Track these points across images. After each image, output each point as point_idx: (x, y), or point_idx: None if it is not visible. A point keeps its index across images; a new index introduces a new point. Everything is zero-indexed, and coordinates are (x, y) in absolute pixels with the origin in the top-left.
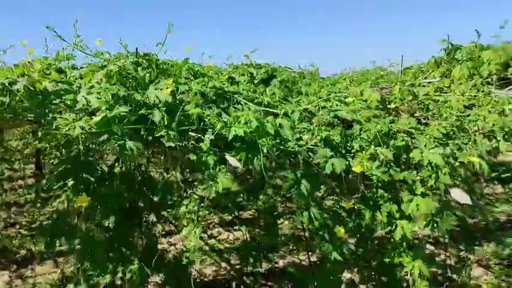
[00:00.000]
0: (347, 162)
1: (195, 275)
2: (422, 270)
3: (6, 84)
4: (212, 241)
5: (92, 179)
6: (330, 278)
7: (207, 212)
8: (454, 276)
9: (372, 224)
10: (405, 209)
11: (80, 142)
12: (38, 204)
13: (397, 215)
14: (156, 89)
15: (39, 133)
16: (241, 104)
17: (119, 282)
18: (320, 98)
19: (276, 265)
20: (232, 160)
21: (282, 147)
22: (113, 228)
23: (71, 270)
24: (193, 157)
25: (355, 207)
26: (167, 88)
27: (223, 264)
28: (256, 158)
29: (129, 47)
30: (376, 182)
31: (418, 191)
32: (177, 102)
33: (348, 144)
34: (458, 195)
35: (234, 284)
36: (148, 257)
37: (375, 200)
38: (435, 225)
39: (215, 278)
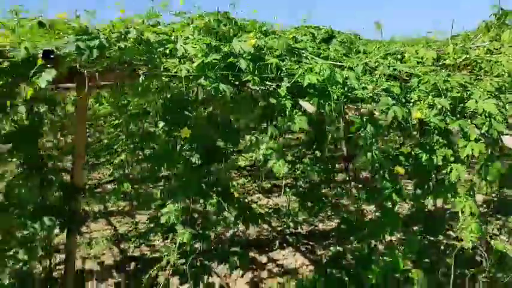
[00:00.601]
0: (407, 110)
1: (240, 233)
2: (473, 209)
3: (123, 32)
4: (253, 206)
5: (190, 114)
6: (389, 217)
7: (246, 180)
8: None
9: (428, 166)
10: (460, 153)
11: (183, 82)
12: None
13: (452, 159)
14: (239, 41)
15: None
16: (308, 59)
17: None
18: (378, 55)
19: (317, 228)
20: (305, 105)
21: (349, 94)
22: (199, 164)
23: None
24: (273, 101)
25: (412, 152)
26: (250, 40)
27: (265, 226)
28: (327, 103)
29: (202, 8)
30: (433, 129)
31: (472, 137)
32: (258, 53)
33: (407, 96)
34: (510, 142)
35: (277, 242)
36: (223, 194)
37: (431, 145)
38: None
39: (258, 237)
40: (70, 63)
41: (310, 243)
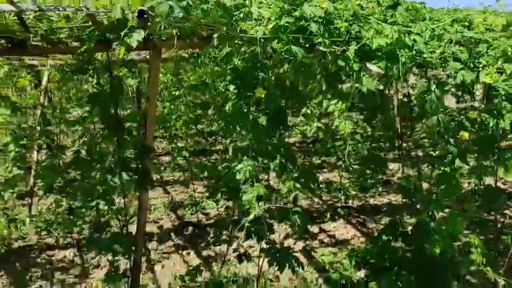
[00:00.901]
0: (475, 75)
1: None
2: None
3: None
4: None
5: (262, 76)
6: (451, 183)
7: (296, 156)
8: None
9: (493, 132)
10: None
11: (259, 43)
12: None
13: None
14: (310, 6)
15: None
16: (375, 24)
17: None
18: (445, 22)
19: (368, 203)
20: (373, 68)
21: (418, 57)
22: (266, 125)
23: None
24: (341, 63)
25: (478, 119)
26: (321, 5)
27: (316, 200)
28: (395, 66)
29: None
30: (501, 94)
31: None
32: (328, 17)
33: (475, 61)
34: None
35: (328, 214)
36: (286, 156)
37: (499, 110)
38: None
39: (309, 209)
40: (158, 23)
41: (362, 216)
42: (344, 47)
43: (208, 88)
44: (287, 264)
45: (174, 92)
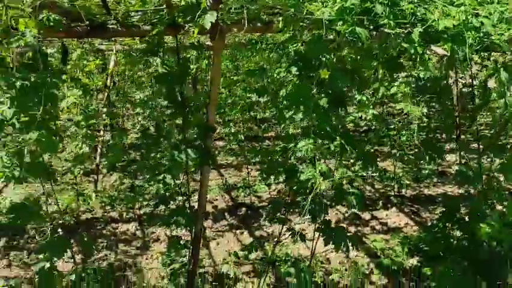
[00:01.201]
0: None
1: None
2: None
3: None
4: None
5: (328, 56)
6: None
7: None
8: None
9: None
10: None
11: (323, 25)
12: None
13: None
14: None
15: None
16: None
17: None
18: None
19: (422, 193)
20: (439, 50)
21: (485, 39)
22: (327, 107)
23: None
24: (405, 45)
25: None
26: None
27: (368, 187)
28: (461, 48)
29: None
30: None
31: None
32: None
33: None
34: None
35: (381, 202)
36: (345, 137)
37: None
38: None
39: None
40: (231, 5)
41: (415, 206)
42: (409, 29)
43: (265, 74)
44: (342, 244)
45: (231, 77)
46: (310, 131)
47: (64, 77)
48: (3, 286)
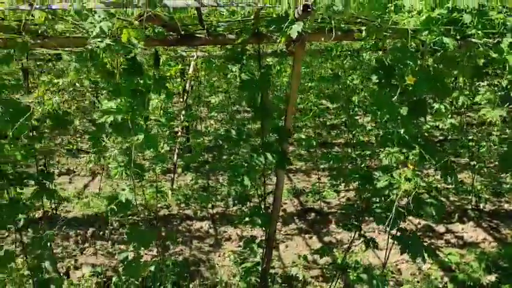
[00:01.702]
0: None
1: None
2: None
3: None
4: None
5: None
6: None
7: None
8: None
9: None
10: None
11: (408, 35)
12: None
13: None
14: None
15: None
16: None
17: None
18: None
19: (502, 208)
20: None
21: None
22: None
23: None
24: (493, 54)
25: None
26: None
27: (442, 199)
28: None
29: None
30: None
31: None
32: (482, 9)
33: None
34: None
35: (456, 215)
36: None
37: None
38: None
39: None
40: (319, 16)
41: (494, 221)
42: (498, 39)
43: (339, 81)
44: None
45: (306, 84)
46: (389, 139)
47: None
48: (90, 272)
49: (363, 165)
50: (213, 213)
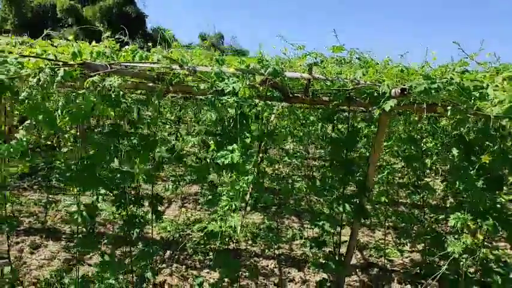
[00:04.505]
0: None
1: None
2: None
3: (448, 79)
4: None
5: (492, 145)
6: None
7: None
8: None
9: None
10: None
11: (491, 120)
12: None
13: None
14: None
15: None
16: None
17: None
18: None
19: None
20: None
21: None
22: (483, 187)
23: None
24: None
25: None
26: None
27: None
28: None
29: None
30: None
31: None
32: None
33: None
34: None
35: None
36: (499, 219)
37: None
38: None
39: None
40: (412, 97)
41: None
42: None
43: (415, 143)
44: None
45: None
46: (462, 207)
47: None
48: None
49: (430, 227)
50: (278, 253)
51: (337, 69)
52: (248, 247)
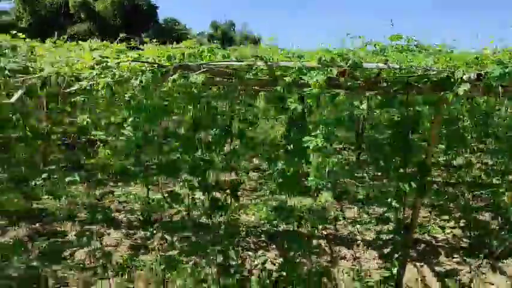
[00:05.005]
0: None
1: None
2: None
3: None
4: None
5: None
6: None
7: None
8: None
9: None
10: None
11: None
12: None
13: None
14: None
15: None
16: None
17: None
18: None
19: None
20: None
21: None
22: None
23: None
24: None
25: None
26: None
27: None
28: None
29: None
30: None
31: None
32: None
33: None
34: None
35: None
36: None
37: None
38: None
39: None
40: (488, 82)
41: None
42: None
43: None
44: None
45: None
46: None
47: None
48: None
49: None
50: (328, 233)
51: (398, 56)
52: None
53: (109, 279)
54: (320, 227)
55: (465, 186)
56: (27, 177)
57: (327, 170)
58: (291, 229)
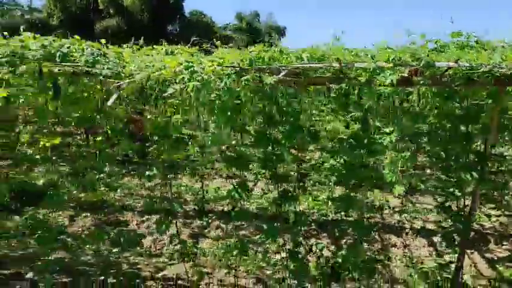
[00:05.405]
0: None
1: None
2: None
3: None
4: None
5: None
6: None
7: None
8: None
9: None
10: None
11: None
12: None
13: None
14: None
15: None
16: None
17: None
18: None
19: None
20: None
21: None
22: None
23: None
24: None
25: None
26: None
27: None
28: None
29: None
30: None
31: None
32: None
33: None
34: None
35: None
36: None
37: None
38: None
39: None
40: None
41: None
42: None
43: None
44: None
45: None
46: None
47: None
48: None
49: None
50: (374, 222)
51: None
52: (344, 218)
53: (180, 263)
54: (367, 215)
55: (510, 175)
56: (101, 170)
57: (399, 164)
58: (339, 218)
